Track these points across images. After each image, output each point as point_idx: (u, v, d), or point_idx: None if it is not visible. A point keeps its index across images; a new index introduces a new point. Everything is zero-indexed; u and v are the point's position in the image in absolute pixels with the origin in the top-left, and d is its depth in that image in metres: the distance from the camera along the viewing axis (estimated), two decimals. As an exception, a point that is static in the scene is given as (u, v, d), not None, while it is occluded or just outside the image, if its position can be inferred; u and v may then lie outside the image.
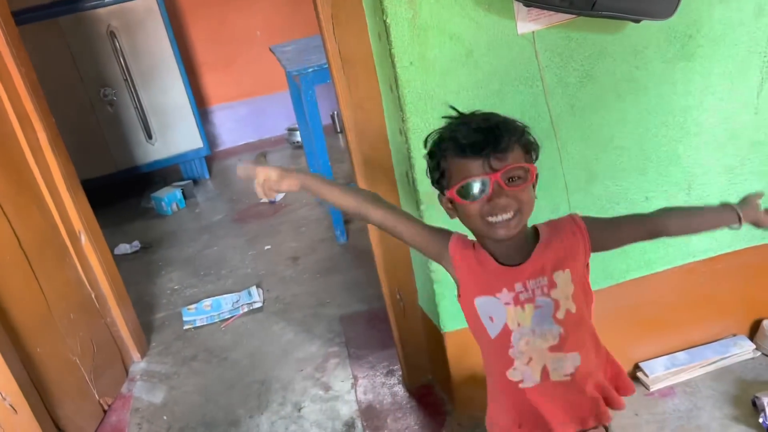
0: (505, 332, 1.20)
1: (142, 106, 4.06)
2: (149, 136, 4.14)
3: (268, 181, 1.25)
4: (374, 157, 1.83)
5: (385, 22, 1.51)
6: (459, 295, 1.25)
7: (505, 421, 1.29)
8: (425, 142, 1.20)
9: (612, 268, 1.87)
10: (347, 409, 2.18)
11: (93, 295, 2.41)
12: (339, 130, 4.64)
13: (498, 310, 1.19)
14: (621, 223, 1.25)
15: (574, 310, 1.18)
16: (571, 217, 1.21)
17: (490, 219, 1.11)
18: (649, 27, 1.59)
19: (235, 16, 4.60)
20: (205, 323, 2.81)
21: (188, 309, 2.91)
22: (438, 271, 1.76)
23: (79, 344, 2.24)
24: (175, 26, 4.29)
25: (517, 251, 1.18)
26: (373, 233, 1.95)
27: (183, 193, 4.10)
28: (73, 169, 2.40)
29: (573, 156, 1.72)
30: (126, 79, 3.97)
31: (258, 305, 2.87)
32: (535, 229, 1.22)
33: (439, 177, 1.17)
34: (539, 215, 1.21)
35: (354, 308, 2.71)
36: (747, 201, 1.20)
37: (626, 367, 2.03)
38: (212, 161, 4.66)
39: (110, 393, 2.41)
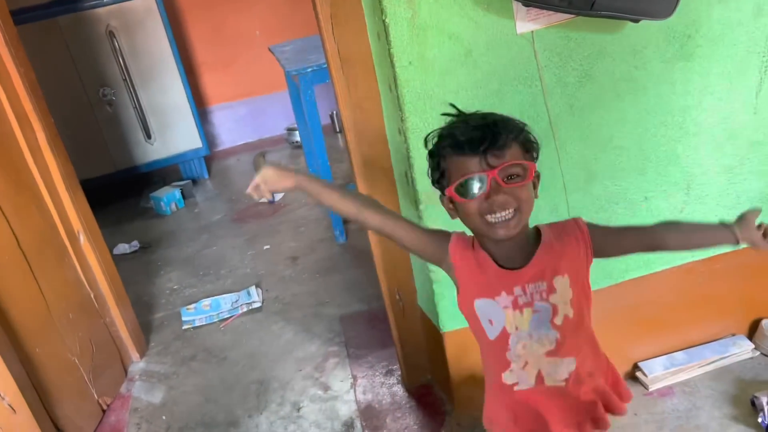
0: (504, 335, 1.20)
1: (141, 105, 4.05)
2: (148, 136, 4.14)
3: (265, 182, 1.23)
4: (373, 157, 1.83)
5: (384, 21, 1.51)
6: (458, 296, 1.25)
7: (501, 418, 1.29)
8: (425, 141, 1.20)
9: (611, 267, 1.87)
10: (346, 408, 2.18)
11: (92, 295, 2.41)
12: (338, 129, 4.63)
13: (497, 313, 1.19)
14: (623, 233, 1.25)
15: (572, 316, 1.18)
16: (575, 222, 1.21)
17: (489, 217, 1.10)
18: (648, 27, 1.59)
19: (234, 16, 4.60)
20: (204, 323, 2.81)
21: (187, 309, 2.91)
22: (437, 271, 1.76)
23: (78, 344, 2.24)
24: (174, 26, 4.29)
25: (518, 252, 1.18)
26: (373, 233, 1.95)
27: (182, 192, 4.10)
28: (72, 168, 2.40)
29: (572, 156, 1.72)
30: (125, 79, 3.97)
31: (257, 305, 2.87)
32: (537, 230, 1.22)
33: (440, 176, 1.17)
34: (538, 215, 1.21)
35: (353, 308, 2.71)
36: (744, 219, 1.18)
37: (625, 367, 2.04)
38: (211, 161, 4.66)
39: (109, 393, 2.41)
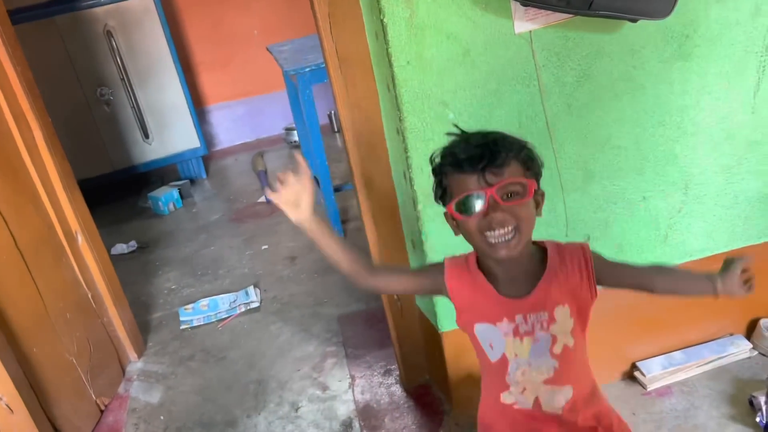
0: (503, 360, 1.21)
1: (139, 105, 4.05)
2: (146, 135, 4.13)
3: (290, 187, 1.21)
4: (371, 157, 1.82)
5: (382, 21, 1.51)
6: (458, 319, 1.26)
7: (499, 426, 1.30)
8: (430, 159, 1.21)
9: (609, 267, 1.87)
10: (345, 408, 2.18)
11: (90, 295, 2.41)
12: (336, 129, 4.63)
13: (497, 338, 1.21)
14: (622, 269, 1.25)
15: (571, 345, 1.19)
16: (582, 250, 1.20)
17: (489, 235, 1.10)
18: (646, 26, 1.59)
19: (232, 16, 4.59)
20: (202, 323, 2.81)
21: (185, 309, 2.91)
22: (435, 270, 1.76)
23: (76, 344, 2.24)
24: (172, 26, 4.28)
25: (522, 277, 1.19)
26: (371, 233, 1.95)
27: (180, 192, 4.09)
28: (70, 168, 2.39)
29: (570, 155, 1.72)
30: (123, 79, 3.96)
31: (255, 305, 2.86)
32: (542, 248, 1.22)
33: (442, 194, 1.18)
34: (536, 215, 1.21)
35: (351, 308, 2.71)
36: (729, 271, 1.19)
37: (623, 367, 2.04)
38: (209, 161, 4.66)
39: (107, 393, 2.40)
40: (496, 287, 1.20)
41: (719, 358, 2.02)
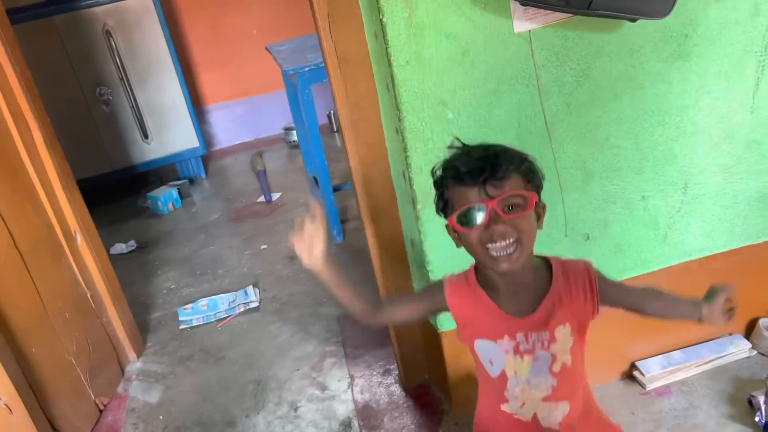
0: (503, 376, 1.22)
1: (138, 105, 4.04)
2: (145, 135, 4.13)
3: (307, 238, 1.21)
4: (371, 156, 1.82)
5: (381, 20, 1.51)
6: (459, 334, 1.27)
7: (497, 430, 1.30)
8: (432, 172, 1.22)
9: (609, 267, 1.84)
10: (344, 408, 2.18)
11: (89, 295, 2.40)
12: (335, 129, 4.63)
13: (498, 355, 1.21)
14: (620, 290, 1.27)
15: (569, 364, 1.20)
16: (586, 270, 1.21)
17: (490, 247, 1.11)
18: (645, 26, 1.59)
19: (231, 16, 4.59)
20: (201, 323, 2.81)
21: (184, 309, 2.91)
22: (435, 270, 1.76)
23: (75, 344, 2.24)
24: (171, 25, 4.28)
25: (525, 290, 1.19)
26: (370, 233, 1.95)
27: (179, 192, 4.09)
28: (69, 168, 2.39)
29: (569, 155, 1.72)
30: (122, 79, 3.96)
31: (254, 305, 2.86)
32: (545, 262, 1.22)
33: (444, 206, 1.19)
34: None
35: (350, 308, 2.70)
36: (713, 298, 1.21)
37: (623, 366, 2.04)
38: (208, 161, 4.65)
39: (106, 393, 2.40)
40: (498, 302, 1.20)
41: (718, 358, 2.02)
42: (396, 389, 2.21)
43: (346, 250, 3.19)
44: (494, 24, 1.55)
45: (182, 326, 2.80)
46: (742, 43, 1.69)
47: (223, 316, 2.82)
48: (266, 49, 3.54)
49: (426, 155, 1.64)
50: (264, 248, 3.35)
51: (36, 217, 2.18)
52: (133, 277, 3.23)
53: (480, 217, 1.10)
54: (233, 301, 2.90)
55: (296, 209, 3.70)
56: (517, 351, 1.19)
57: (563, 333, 1.18)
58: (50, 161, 2.26)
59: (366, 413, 2.14)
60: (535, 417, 1.23)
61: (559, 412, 1.22)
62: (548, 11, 1.52)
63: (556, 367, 1.19)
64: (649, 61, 1.66)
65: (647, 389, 1.99)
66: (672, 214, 1.85)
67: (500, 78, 1.61)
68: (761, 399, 1.79)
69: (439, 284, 1.27)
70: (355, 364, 2.37)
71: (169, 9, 4.39)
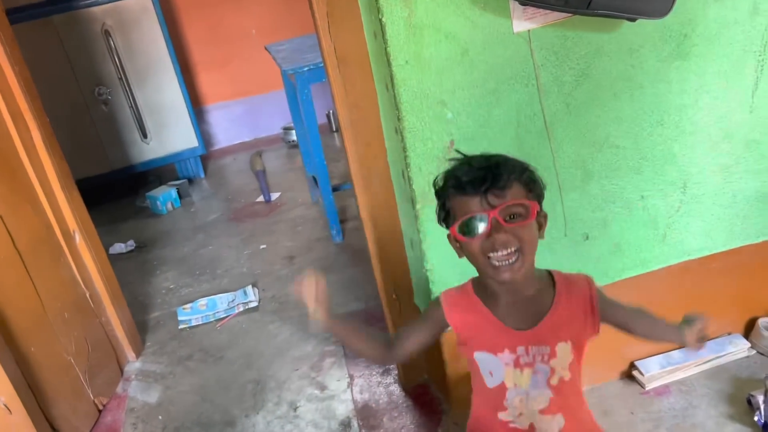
0: (501, 387, 1.23)
1: (137, 105, 4.04)
2: (144, 135, 4.13)
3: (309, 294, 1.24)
4: (370, 156, 1.82)
5: (380, 20, 1.50)
6: (458, 346, 1.27)
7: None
8: (434, 183, 1.22)
9: (608, 267, 1.87)
10: (343, 408, 2.18)
11: (87, 295, 2.40)
12: (335, 129, 4.63)
13: (497, 368, 1.22)
14: (616, 308, 1.27)
15: (567, 378, 1.21)
16: (588, 286, 1.22)
17: (492, 257, 1.11)
18: (644, 26, 1.59)
19: (230, 15, 4.59)
20: (200, 323, 2.81)
21: (183, 308, 2.90)
22: (434, 270, 1.76)
23: (74, 344, 2.24)
24: (170, 25, 4.28)
25: (527, 303, 1.20)
26: (369, 232, 1.95)
27: (178, 192, 4.09)
28: (68, 168, 2.39)
29: (568, 155, 1.72)
30: (121, 78, 3.96)
31: (254, 305, 2.86)
32: (548, 275, 1.23)
33: (445, 216, 1.19)
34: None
35: (350, 307, 2.71)
36: (693, 326, 1.24)
37: (622, 366, 2.04)
38: (207, 160, 4.65)
39: (105, 393, 2.40)
40: (498, 315, 1.20)
41: (717, 357, 2.02)
42: (395, 389, 2.21)
43: (345, 249, 3.19)
44: (493, 24, 1.55)
45: (181, 326, 2.80)
46: (741, 42, 1.69)
47: (222, 316, 2.81)
48: (265, 48, 3.54)
49: (425, 155, 1.64)
50: (263, 248, 3.34)
51: (35, 217, 2.18)
52: (132, 276, 3.23)
53: (481, 227, 1.10)
54: (232, 300, 2.90)
55: (295, 209, 3.70)
56: (517, 364, 1.20)
57: (564, 349, 1.19)
58: (49, 161, 2.26)
59: (365, 413, 2.14)
60: (531, 427, 1.24)
61: (555, 424, 1.23)
62: (547, 11, 1.52)
63: (554, 381, 1.20)
64: (648, 61, 1.66)
65: (646, 389, 1.99)
66: (671, 213, 1.85)
67: (499, 78, 1.61)
68: (760, 398, 1.80)
69: (437, 303, 1.28)
70: (355, 364, 2.37)
71: (168, 8, 4.39)
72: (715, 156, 1.81)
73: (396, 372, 2.26)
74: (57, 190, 2.29)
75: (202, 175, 4.44)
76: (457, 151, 1.21)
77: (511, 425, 1.24)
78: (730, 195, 1.87)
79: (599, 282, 1.82)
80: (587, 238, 1.83)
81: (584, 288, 1.22)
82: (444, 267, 1.74)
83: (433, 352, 2.01)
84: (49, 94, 2.88)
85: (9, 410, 1.87)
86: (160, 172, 4.42)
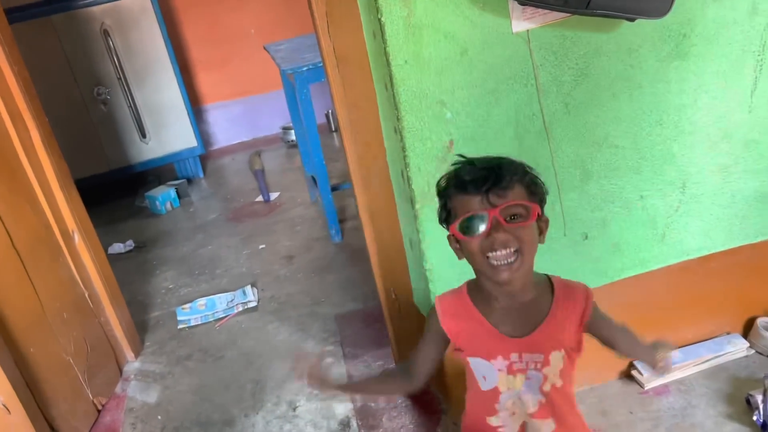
0: (495, 391, 1.23)
1: (136, 104, 4.04)
2: (143, 135, 4.13)
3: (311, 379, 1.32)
4: (369, 156, 1.82)
5: (379, 20, 1.50)
6: (453, 351, 1.27)
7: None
8: (437, 183, 1.22)
9: (607, 266, 1.87)
10: (342, 408, 2.18)
11: (86, 295, 2.40)
12: (334, 128, 4.63)
13: (491, 373, 1.22)
14: (604, 323, 1.27)
15: (559, 385, 1.22)
16: (586, 298, 1.21)
17: (491, 256, 1.11)
18: (643, 26, 1.59)
19: (229, 15, 4.59)
20: (199, 323, 2.81)
21: (182, 308, 2.90)
22: (433, 269, 1.76)
23: (73, 344, 2.23)
24: (169, 25, 4.28)
25: (524, 309, 1.20)
26: (368, 232, 1.95)
27: (177, 192, 4.09)
28: (67, 168, 2.39)
29: (567, 154, 1.72)
30: (120, 78, 3.95)
31: (253, 304, 2.86)
32: (546, 281, 1.23)
33: (446, 216, 1.19)
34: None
35: (349, 307, 2.71)
36: (661, 351, 1.27)
37: (621, 366, 2.04)
38: (206, 160, 4.65)
39: (104, 393, 2.40)
40: (492, 321, 1.20)
41: (716, 357, 2.02)
42: (394, 389, 2.21)
43: (344, 249, 3.19)
44: (493, 23, 1.55)
45: (180, 326, 2.80)
46: (740, 42, 1.69)
47: (221, 316, 2.81)
48: (264, 48, 3.54)
49: (424, 155, 1.64)
50: (262, 248, 3.34)
51: (34, 216, 2.18)
52: (131, 276, 3.23)
53: (482, 226, 1.10)
54: (231, 300, 2.90)
55: (295, 209, 3.70)
56: (510, 370, 1.20)
57: (557, 357, 1.20)
58: (48, 161, 2.25)
59: (365, 413, 2.14)
60: (522, 428, 1.24)
61: (546, 428, 1.24)
62: (546, 11, 1.52)
63: (546, 387, 1.21)
64: (647, 61, 1.66)
65: (645, 388, 1.99)
66: (670, 213, 1.85)
67: (499, 77, 1.61)
68: (759, 398, 1.80)
69: (432, 311, 1.28)
70: (354, 364, 2.37)
71: (167, 8, 4.39)
72: (714, 156, 1.81)
73: (395, 372, 2.26)
74: (56, 190, 2.29)
75: (201, 175, 4.44)
76: (459, 156, 1.21)
77: (501, 430, 1.26)
78: (729, 195, 1.87)
79: (599, 282, 1.84)
80: (586, 237, 1.83)
81: (580, 301, 1.21)
82: (443, 267, 1.74)
83: (432, 351, 2.01)
84: (48, 94, 2.88)
85: (8, 410, 1.87)
86: (159, 171, 4.42)
